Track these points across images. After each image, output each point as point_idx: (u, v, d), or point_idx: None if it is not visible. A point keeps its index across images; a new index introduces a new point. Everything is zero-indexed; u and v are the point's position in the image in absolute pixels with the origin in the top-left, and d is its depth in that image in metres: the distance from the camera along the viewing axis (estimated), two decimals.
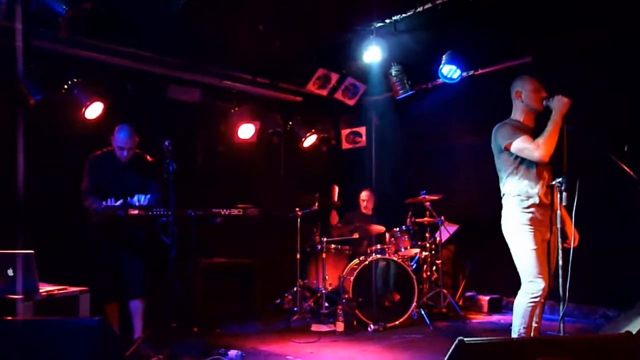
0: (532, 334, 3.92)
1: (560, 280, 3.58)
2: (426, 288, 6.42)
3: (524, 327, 3.86)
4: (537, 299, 3.79)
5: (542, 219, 3.88)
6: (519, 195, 3.90)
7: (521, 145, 3.83)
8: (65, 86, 5.30)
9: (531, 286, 3.78)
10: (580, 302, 6.02)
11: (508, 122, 4.03)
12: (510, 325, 5.69)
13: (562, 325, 3.70)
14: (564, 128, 3.85)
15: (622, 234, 5.39)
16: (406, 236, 6.43)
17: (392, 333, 5.51)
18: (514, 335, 3.90)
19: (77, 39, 5.26)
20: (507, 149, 3.88)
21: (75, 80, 5.31)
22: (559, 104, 3.87)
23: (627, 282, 5.29)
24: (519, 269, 3.87)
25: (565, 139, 3.90)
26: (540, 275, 3.77)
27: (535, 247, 3.80)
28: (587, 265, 5.79)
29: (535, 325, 3.96)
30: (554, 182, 3.74)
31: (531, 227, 3.83)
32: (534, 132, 3.94)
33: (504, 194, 4.02)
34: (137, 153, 4.82)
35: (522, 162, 3.89)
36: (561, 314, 3.65)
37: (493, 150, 4.04)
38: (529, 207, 3.86)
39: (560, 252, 3.62)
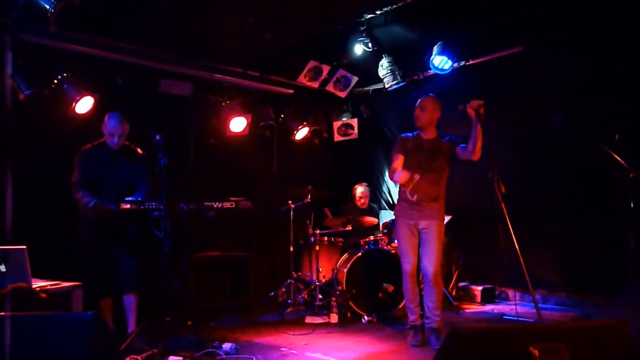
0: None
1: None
2: (419, 279, 6.43)
3: (407, 303, 4.87)
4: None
5: None
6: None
7: None
8: (55, 81, 5.25)
9: None
10: (571, 291, 6.07)
11: None
12: (504, 314, 5.79)
13: (537, 311, 3.93)
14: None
15: (612, 223, 5.41)
16: None
17: (385, 324, 5.53)
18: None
19: (67, 33, 5.22)
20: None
21: (65, 74, 5.27)
22: (397, 176, 4.58)
23: (617, 270, 5.33)
24: (437, 259, 4.66)
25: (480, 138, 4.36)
26: None
27: None
28: (578, 254, 5.87)
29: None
30: (490, 174, 4.55)
31: None
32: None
33: (439, 197, 4.72)
34: (127, 145, 4.81)
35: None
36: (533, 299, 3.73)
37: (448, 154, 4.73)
38: None
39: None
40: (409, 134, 4.84)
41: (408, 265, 4.76)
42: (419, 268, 4.85)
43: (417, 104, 4.76)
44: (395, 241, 6.29)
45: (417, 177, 4.46)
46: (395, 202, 4.90)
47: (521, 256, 3.87)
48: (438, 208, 4.72)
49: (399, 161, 4.73)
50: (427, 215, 4.69)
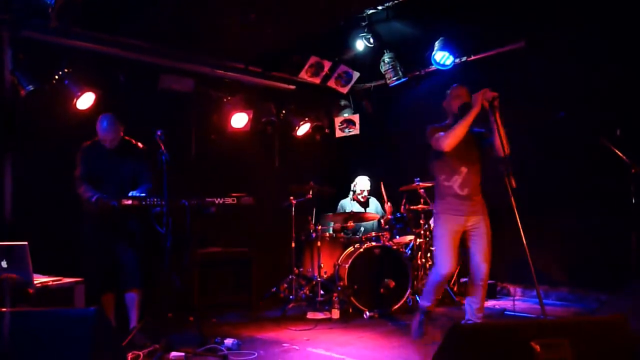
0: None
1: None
2: (421, 275, 6.44)
3: (425, 299, 4.56)
4: None
5: None
6: None
7: None
8: (56, 77, 5.25)
9: None
10: (573, 286, 6.06)
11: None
12: (505, 310, 5.78)
13: (541, 306, 3.94)
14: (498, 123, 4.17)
15: (614, 218, 5.41)
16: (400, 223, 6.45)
17: (387, 319, 5.53)
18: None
19: (68, 29, 5.21)
20: None
21: (66, 70, 5.26)
22: (473, 102, 4.22)
23: (619, 266, 5.32)
24: (490, 256, 4.42)
25: (497, 134, 4.15)
26: None
27: None
28: (579, 250, 5.86)
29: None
30: (502, 167, 4.14)
31: None
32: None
33: (481, 190, 4.47)
34: (127, 140, 4.81)
35: None
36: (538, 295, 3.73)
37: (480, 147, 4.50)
38: None
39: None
40: (437, 125, 4.54)
41: (446, 268, 4.41)
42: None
43: (452, 92, 4.51)
44: (397, 238, 6.29)
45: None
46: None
47: (528, 251, 3.84)
48: (483, 202, 4.49)
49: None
50: (476, 210, 4.43)
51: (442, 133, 4.33)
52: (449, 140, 4.25)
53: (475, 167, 4.46)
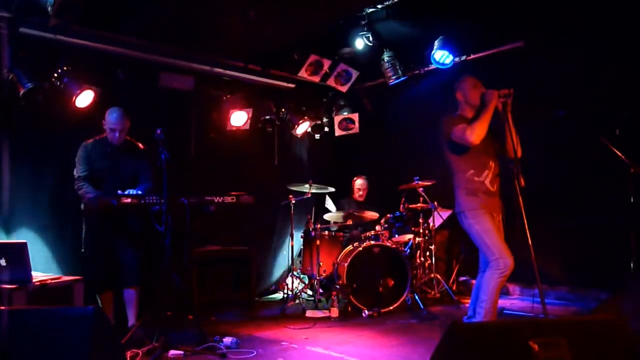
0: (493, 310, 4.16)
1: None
2: (420, 273, 6.45)
3: (490, 302, 4.12)
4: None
5: None
6: None
7: None
8: (56, 74, 5.24)
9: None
10: (573, 285, 6.07)
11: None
12: (504, 309, 5.77)
13: (543, 305, 3.91)
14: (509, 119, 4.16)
15: (613, 218, 5.41)
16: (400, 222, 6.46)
17: (386, 318, 5.54)
18: (480, 310, 4.15)
19: (67, 27, 5.20)
20: None
21: (65, 68, 5.26)
22: (489, 97, 4.16)
23: (619, 265, 5.32)
24: None
25: (513, 127, 4.15)
26: None
27: None
28: (579, 249, 5.86)
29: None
30: (510, 166, 4.10)
31: None
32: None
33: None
34: (128, 140, 4.81)
35: None
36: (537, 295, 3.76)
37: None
38: None
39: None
40: (453, 115, 4.39)
41: (509, 256, 4.09)
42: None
43: (467, 83, 4.37)
44: (396, 237, 6.28)
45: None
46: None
47: (532, 251, 3.83)
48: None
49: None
50: (499, 207, 4.31)
51: (463, 125, 4.16)
52: (478, 131, 4.07)
53: (497, 162, 4.34)
